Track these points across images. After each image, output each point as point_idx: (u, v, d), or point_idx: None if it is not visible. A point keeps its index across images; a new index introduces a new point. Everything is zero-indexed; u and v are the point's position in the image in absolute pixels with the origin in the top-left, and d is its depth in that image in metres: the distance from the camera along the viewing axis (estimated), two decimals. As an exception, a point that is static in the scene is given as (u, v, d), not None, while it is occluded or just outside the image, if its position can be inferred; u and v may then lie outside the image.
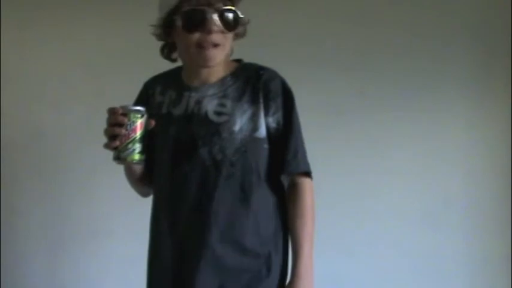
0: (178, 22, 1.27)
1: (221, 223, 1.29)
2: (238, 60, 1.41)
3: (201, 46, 1.26)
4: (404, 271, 2.31)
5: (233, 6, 1.29)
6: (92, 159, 2.15)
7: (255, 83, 1.33)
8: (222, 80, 1.35)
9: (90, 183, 2.18)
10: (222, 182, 1.29)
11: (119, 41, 2.20)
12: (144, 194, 1.48)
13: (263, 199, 1.34)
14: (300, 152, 1.35)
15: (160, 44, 1.39)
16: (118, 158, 1.24)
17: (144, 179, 1.41)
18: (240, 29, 1.33)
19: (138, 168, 1.37)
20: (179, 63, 1.41)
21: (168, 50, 1.38)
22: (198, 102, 1.34)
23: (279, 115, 1.33)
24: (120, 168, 1.43)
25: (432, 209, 2.34)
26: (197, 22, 1.25)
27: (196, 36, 1.26)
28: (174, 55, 1.39)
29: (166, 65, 1.43)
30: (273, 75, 1.36)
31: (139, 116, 1.22)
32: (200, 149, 1.29)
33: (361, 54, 2.32)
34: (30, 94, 2.20)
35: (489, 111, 2.39)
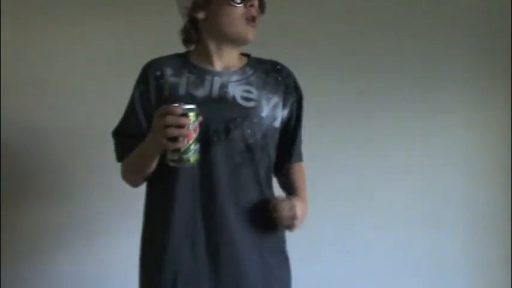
0: None
1: (251, 204, 1.34)
2: (246, 55, 1.46)
3: (247, 18, 1.34)
4: (404, 271, 2.31)
5: None
6: (92, 159, 2.15)
7: (275, 76, 1.43)
8: (242, 69, 1.41)
9: (90, 183, 2.17)
10: (253, 165, 1.34)
11: (120, 41, 2.20)
12: (137, 184, 1.43)
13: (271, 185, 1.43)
14: (301, 143, 1.51)
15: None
16: (180, 160, 1.17)
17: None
18: None
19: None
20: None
21: (194, 30, 1.39)
22: (224, 87, 1.36)
23: (293, 108, 1.44)
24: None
25: (432, 209, 2.34)
26: None
27: (241, 9, 1.33)
28: (206, 34, 1.39)
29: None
30: (289, 71, 1.47)
31: (197, 114, 1.17)
32: (232, 132, 1.31)
33: (361, 55, 2.32)
34: (30, 94, 2.20)
35: (489, 111, 2.39)
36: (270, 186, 1.41)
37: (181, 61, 1.40)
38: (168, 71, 1.38)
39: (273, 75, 1.43)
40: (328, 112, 2.26)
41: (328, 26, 2.30)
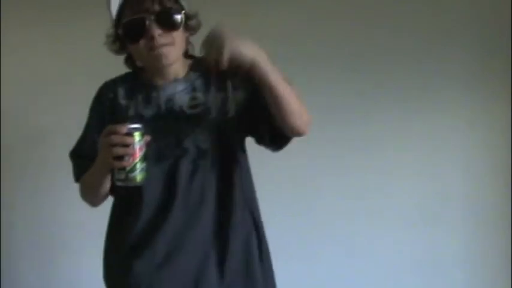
0: (122, 34, 1.31)
1: (213, 206, 1.33)
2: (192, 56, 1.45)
3: (151, 49, 1.29)
4: (404, 270, 2.32)
5: (174, 3, 1.32)
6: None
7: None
8: (186, 76, 1.39)
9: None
10: (210, 168, 1.33)
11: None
12: (96, 203, 1.44)
13: (244, 177, 1.39)
14: None
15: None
16: (126, 179, 1.19)
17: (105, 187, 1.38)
18: (190, 23, 1.36)
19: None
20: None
21: (131, 60, 1.40)
22: (170, 100, 1.36)
23: (246, 85, 1.34)
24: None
25: (432, 209, 2.34)
26: (138, 31, 1.28)
27: (143, 42, 1.29)
28: (138, 63, 1.41)
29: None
30: None
31: (142, 133, 1.19)
32: (185, 141, 1.31)
33: (361, 55, 2.32)
34: (30, 94, 2.20)
35: (489, 111, 2.39)
36: (232, 186, 1.36)
37: (132, 81, 1.41)
38: (121, 92, 1.39)
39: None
40: (328, 112, 2.26)
41: (328, 26, 2.30)
